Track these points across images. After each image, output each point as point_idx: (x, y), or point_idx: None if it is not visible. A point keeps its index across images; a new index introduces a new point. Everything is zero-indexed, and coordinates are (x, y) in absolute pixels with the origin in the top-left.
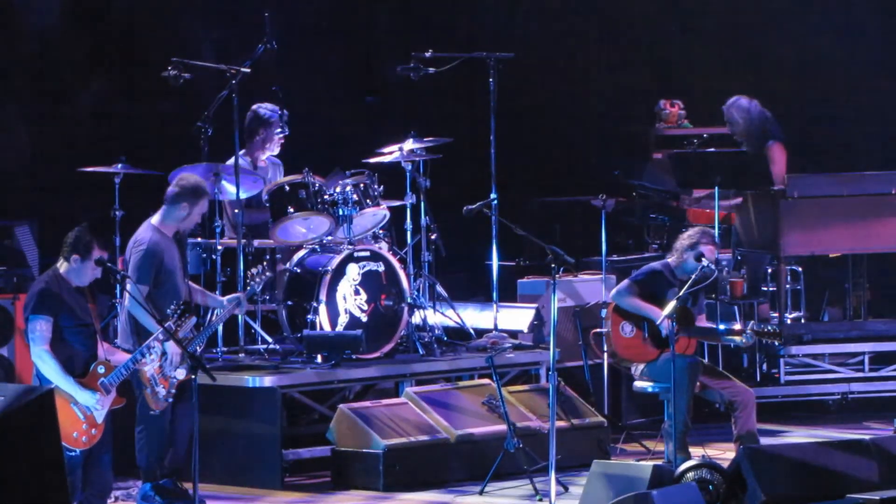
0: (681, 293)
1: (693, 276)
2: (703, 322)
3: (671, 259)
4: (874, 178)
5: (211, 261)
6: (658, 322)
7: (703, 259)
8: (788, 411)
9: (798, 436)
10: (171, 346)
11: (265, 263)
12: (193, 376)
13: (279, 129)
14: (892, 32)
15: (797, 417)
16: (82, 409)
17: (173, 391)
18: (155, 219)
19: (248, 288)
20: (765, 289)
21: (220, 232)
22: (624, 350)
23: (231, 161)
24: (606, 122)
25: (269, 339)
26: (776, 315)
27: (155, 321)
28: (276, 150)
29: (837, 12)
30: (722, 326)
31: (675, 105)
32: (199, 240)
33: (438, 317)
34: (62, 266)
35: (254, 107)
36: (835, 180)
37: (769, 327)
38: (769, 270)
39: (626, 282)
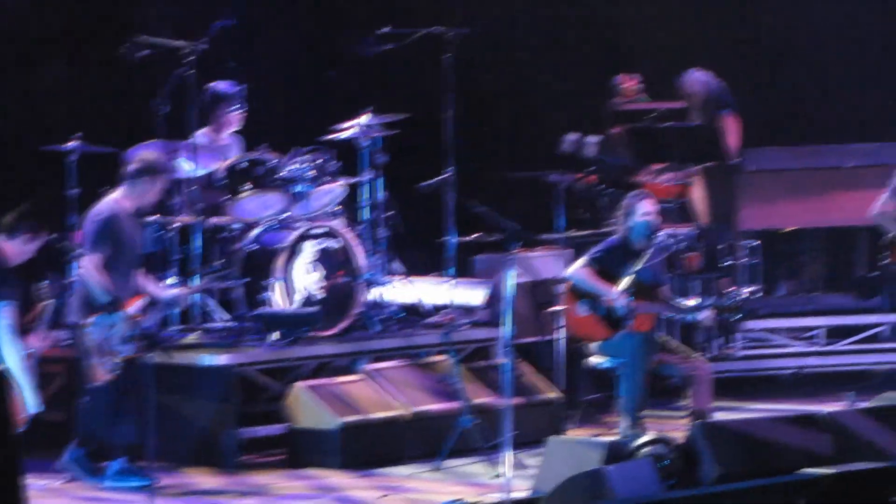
0: (636, 267)
1: (649, 252)
2: (666, 293)
3: (620, 232)
4: (830, 151)
5: (166, 239)
6: (613, 299)
7: (650, 224)
8: (744, 386)
9: (753, 411)
10: (120, 318)
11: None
12: (148, 354)
13: (237, 106)
14: (847, 1)
15: (752, 392)
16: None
17: (118, 363)
18: (116, 194)
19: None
20: (722, 263)
21: (176, 210)
22: (579, 328)
23: (189, 139)
24: (564, 97)
25: (225, 317)
26: (733, 289)
27: (105, 291)
28: (236, 127)
29: None
30: (680, 301)
31: (632, 79)
32: (155, 217)
33: (395, 293)
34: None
35: (211, 84)
36: (791, 154)
37: (728, 302)
38: (725, 245)
39: (582, 259)
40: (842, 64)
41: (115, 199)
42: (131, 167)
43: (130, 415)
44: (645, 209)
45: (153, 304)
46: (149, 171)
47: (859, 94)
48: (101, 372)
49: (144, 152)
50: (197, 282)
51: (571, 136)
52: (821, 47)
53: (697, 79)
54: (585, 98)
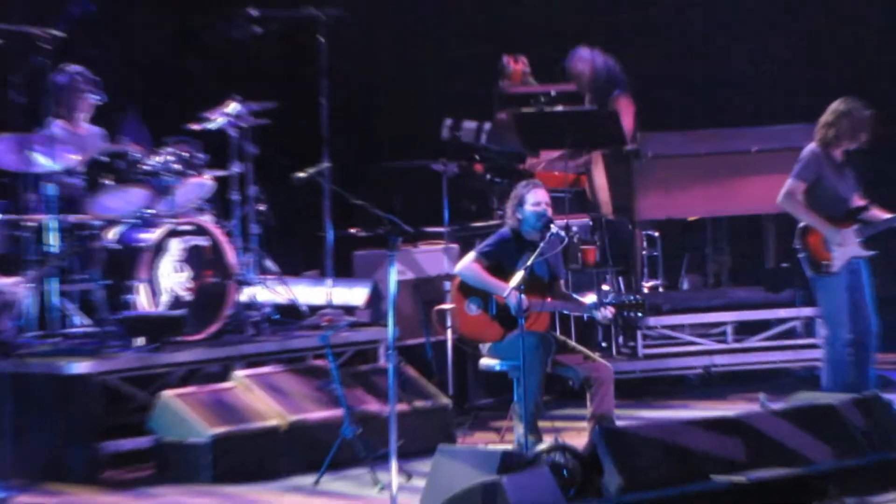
0: (528, 261)
1: (542, 245)
2: (562, 289)
3: (510, 224)
4: (734, 135)
5: (21, 238)
6: (505, 296)
7: (543, 215)
8: (648, 387)
9: (658, 414)
10: None
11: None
12: (1, 362)
13: (86, 93)
14: None
15: (657, 394)
16: None
17: None
18: None
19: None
20: (621, 256)
21: (31, 207)
22: (470, 329)
23: (44, 130)
24: (446, 81)
25: (86, 322)
26: (634, 283)
27: None
28: (86, 115)
29: None
30: (577, 297)
31: (518, 61)
32: (7, 215)
33: (268, 294)
34: None
35: (58, 74)
36: (692, 138)
37: (629, 297)
38: (624, 236)
39: (471, 254)
40: (744, 41)
41: None
42: None
43: None
44: (536, 199)
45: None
46: None
47: (763, 73)
48: None
49: None
50: (56, 286)
51: (448, 122)
52: (720, 22)
53: (582, 56)
54: (470, 82)
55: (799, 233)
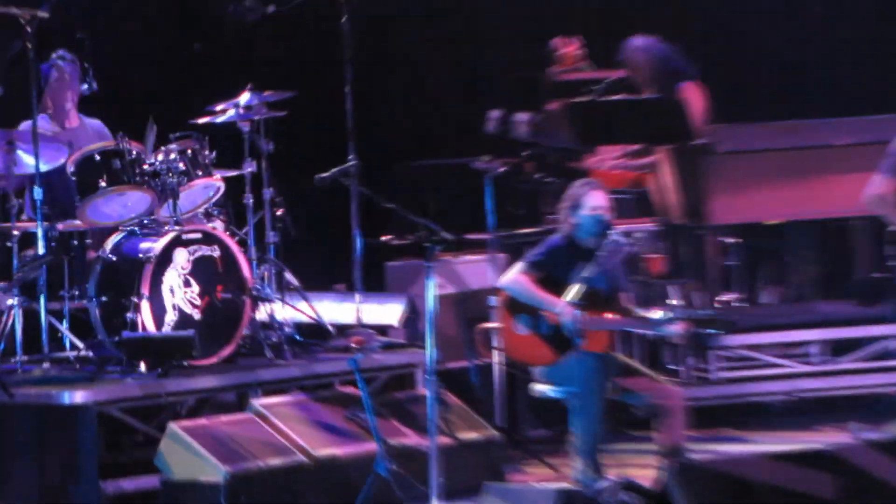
0: (585, 273)
1: (602, 254)
2: (625, 304)
3: (564, 230)
4: (819, 126)
5: (6, 248)
6: (559, 312)
7: (602, 220)
8: (723, 416)
9: (736, 447)
10: None
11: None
12: None
13: (76, 83)
14: None
15: (734, 423)
16: None
17: None
18: None
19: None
20: (693, 266)
21: (15, 213)
22: (519, 350)
23: (27, 125)
24: (489, 67)
25: (80, 344)
26: (707, 297)
27: None
28: (70, 107)
29: None
30: (642, 313)
31: (571, 44)
32: None
33: (289, 311)
34: None
35: (45, 62)
36: (771, 131)
37: (702, 313)
38: (696, 243)
39: (519, 265)
40: (827, 26)
41: None
42: None
43: None
44: (594, 201)
45: None
46: None
47: (850, 60)
48: None
49: None
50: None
51: (495, 114)
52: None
53: (638, 47)
54: (517, 67)
55: (891, 237)
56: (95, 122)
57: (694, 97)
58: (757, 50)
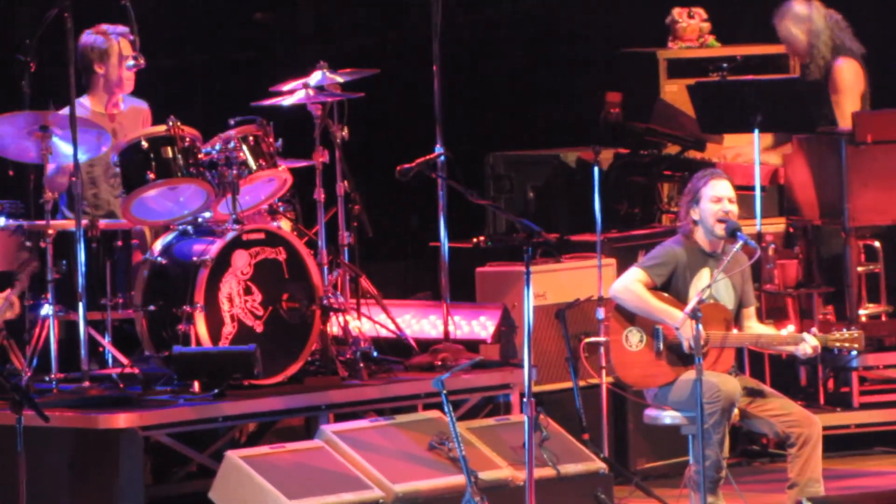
0: (708, 281)
1: (726, 259)
2: (750, 319)
3: (684, 229)
4: None
5: (38, 250)
6: (677, 326)
7: (729, 221)
8: (865, 445)
9: (880, 480)
10: None
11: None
12: (17, 415)
13: (126, 60)
14: None
15: (878, 453)
16: None
17: None
18: None
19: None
20: (829, 274)
21: (51, 210)
22: (629, 368)
23: (65, 110)
24: (596, 42)
25: (125, 360)
26: (846, 310)
27: None
28: (128, 89)
29: None
30: (771, 328)
31: (693, 15)
32: (22, 222)
33: (365, 324)
34: None
35: (84, 33)
36: None
37: (842, 329)
38: (834, 247)
39: (631, 271)
40: None
41: None
42: None
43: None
44: (716, 192)
45: None
46: None
47: None
48: None
49: None
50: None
51: (606, 97)
52: None
53: (797, 14)
54: (626, 43)
55: None
56: (140, 103)
57: (849, 77)
58: None
